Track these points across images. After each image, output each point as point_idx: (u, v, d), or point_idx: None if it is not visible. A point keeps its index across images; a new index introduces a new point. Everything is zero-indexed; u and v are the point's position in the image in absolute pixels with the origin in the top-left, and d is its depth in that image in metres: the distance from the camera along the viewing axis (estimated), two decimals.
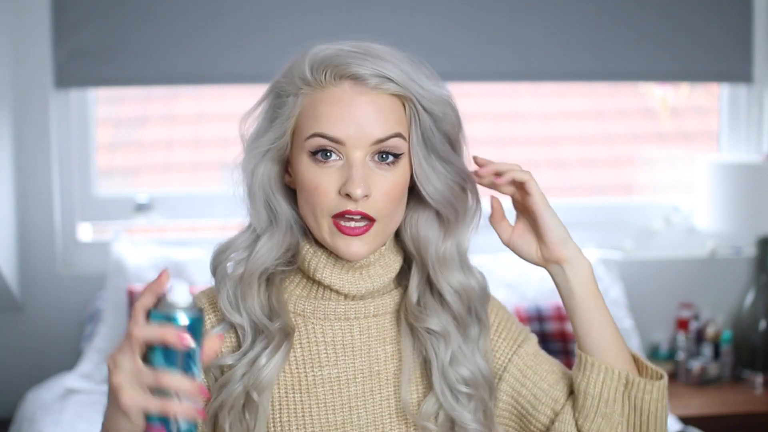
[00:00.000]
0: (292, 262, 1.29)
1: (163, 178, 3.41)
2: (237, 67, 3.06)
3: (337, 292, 1.27)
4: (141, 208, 3.16)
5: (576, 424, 1.32)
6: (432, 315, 1.27)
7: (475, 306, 1.31)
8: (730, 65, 3.30)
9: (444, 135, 1.25)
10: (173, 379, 0.99)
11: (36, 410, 2.69)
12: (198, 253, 3.04)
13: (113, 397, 1.01)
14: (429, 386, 1.30)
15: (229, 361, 1.26)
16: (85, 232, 3.19)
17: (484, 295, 1.33)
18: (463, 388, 1.27)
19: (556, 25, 3.19)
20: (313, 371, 1.27)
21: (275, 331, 1.25)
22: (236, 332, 1.29)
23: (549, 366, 1.37)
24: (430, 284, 1.29)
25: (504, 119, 3.56)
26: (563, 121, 3.51)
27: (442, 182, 1.25)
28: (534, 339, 1.39)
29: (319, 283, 1.28)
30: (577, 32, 3.20)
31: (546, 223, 1.29)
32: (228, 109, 3.40)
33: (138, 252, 3.01)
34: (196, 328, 1.02)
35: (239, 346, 1.28)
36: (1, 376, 3.08)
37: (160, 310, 1.02)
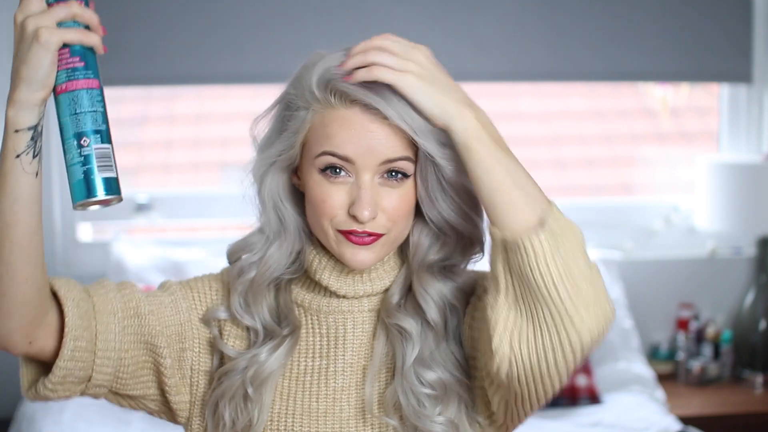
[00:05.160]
0: (299, 269, 1.32)
1: (163, 178, 3.41)
2: (237, 67, 3.06)
3: (335, 293, 1.30)
4: (141, 208, 3.16)
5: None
6: (408, 316, 1.27)
7: (455, 305, 1.27)
8: (730, 65, 3.30)
9: (451, 173, 1.21)
10: (81, 8, 1.14)
11: (36, 410, 2.68)
12: (198, 254, 3.03)
13: (29, 41, 1.11)
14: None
15: (233, 354, 1.30)
16: (85, 232, 3.19)
17: (463, 290, 1.28)
18: (427, 390, 1.24)
19: (556, 25, 3.19)
20: (305, 361, 1.31)
21: (284, 334, 1.29)
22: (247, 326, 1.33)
23: None
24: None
25: (504, 119, 3.56)
26: (563, 121, 3.51)
27: (445, 213, 1.24)
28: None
29: (319, 283, 1.31)
30: (577, 32, 3.20)
31: (416, 104, 1.20)
32: (228, 109, 3.40)
33: (138, 252, 3.01)
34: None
35: (248, 339, 1.32)
36: (1, 376, 3.08)
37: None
